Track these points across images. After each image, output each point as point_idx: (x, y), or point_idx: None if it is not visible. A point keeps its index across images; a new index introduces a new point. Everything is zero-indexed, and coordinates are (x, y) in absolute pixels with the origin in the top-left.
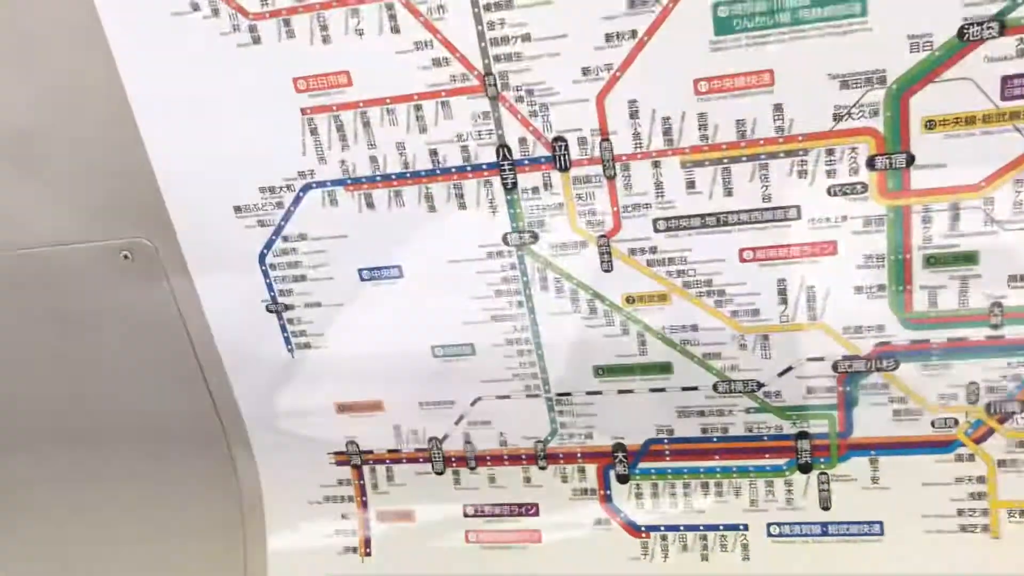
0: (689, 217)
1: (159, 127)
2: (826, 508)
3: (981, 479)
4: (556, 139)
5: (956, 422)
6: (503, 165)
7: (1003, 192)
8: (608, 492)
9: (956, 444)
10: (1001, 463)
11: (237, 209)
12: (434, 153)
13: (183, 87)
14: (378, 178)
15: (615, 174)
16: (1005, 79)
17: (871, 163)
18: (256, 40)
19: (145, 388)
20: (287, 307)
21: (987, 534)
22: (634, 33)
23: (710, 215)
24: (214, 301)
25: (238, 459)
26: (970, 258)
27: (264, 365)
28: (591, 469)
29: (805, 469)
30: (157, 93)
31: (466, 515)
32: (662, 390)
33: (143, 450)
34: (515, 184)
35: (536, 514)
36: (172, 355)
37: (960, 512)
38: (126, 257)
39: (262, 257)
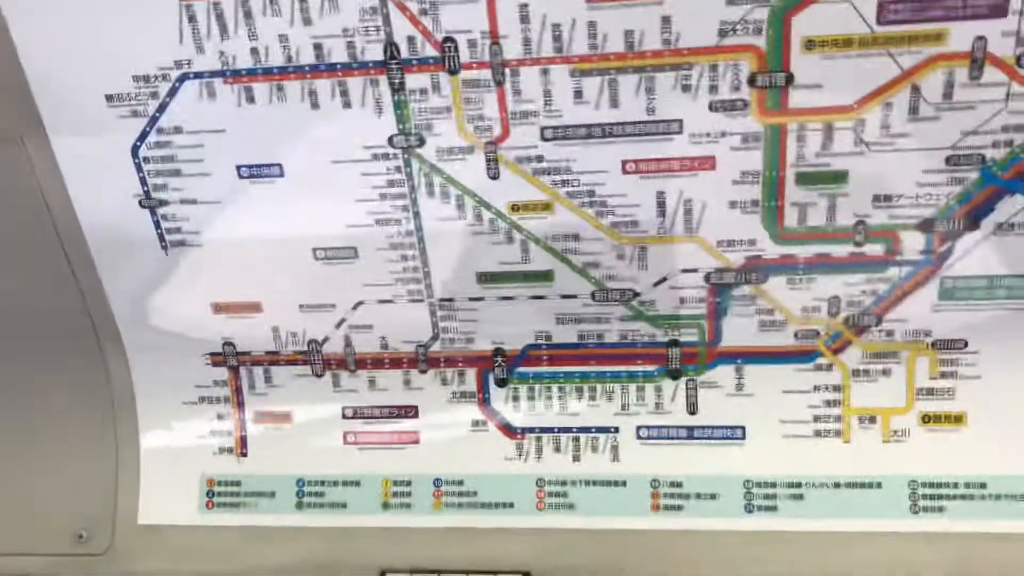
0: (576, 127)
1: (25, 7)
2: (693, 413)
3: (837, 388)
4: (446, 40)
5: (817, 334)
6: (390, 64)
7: (873, 115)
8: (487, 395)
9: (816, 355)
10: (855, 373)
11: (109, 98)
12: (318, 48)
13: None
14: (259, 71)
15: (504, 80)
16: (881, 4)
17: (752, 80)
18: None
19: (9, 284)
20: (161, 203)
21: (839, 439)
22: None
23: (596, 126)
24: (84, 195)
25: (109, 358)
26: (839, 177)
27: (136, 262)
28: (471, 373)
29: (675, 375)
30: None
31: (345, 417)
32: (543, 297)
33: (7, 349)
34: (402, 84)
35: (415, 416)
36: (39, 250)
37: (816, 418)
38: None
39: (135, 150)
